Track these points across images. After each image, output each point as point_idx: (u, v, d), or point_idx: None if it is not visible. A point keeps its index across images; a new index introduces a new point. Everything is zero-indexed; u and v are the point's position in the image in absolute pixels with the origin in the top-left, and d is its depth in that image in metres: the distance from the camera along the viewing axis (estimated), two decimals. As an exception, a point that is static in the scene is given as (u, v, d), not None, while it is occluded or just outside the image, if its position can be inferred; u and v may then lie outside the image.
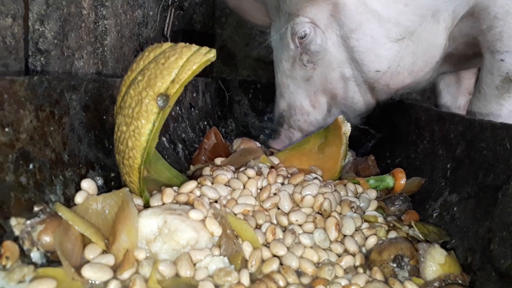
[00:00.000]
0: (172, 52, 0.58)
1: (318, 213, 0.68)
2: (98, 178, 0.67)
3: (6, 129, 0.51)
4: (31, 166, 0.54)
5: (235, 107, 1.85)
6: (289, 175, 0.84)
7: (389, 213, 0.84)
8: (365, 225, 0.69)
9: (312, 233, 0.63)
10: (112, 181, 0.71)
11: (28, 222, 0.50)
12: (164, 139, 0.99)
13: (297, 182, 0.76)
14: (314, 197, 0.69)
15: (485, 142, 0.75)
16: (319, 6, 1.13)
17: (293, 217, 0.65)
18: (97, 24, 1.00)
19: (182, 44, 0.59)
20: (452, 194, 0.79)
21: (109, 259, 0.53)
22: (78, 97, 0.66)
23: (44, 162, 0.56)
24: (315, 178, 0.87)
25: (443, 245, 0.67)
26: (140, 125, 0.59)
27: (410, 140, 1.18)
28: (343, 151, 0.94)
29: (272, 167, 0.92)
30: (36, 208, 0.53)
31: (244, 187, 0.71)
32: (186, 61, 0.57)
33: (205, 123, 1.37)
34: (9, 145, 0.51)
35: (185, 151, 1.09)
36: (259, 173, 0.77)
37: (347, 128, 0.94)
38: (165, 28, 1.07)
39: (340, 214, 0.70)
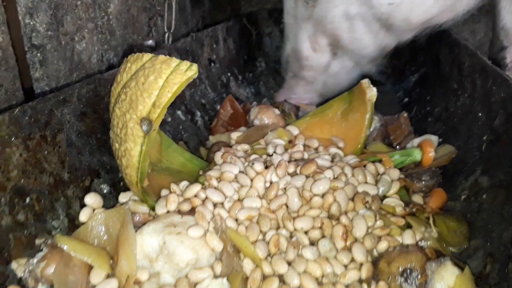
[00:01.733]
0: (152, 69, 0.53)
1: (327, 217, 0.64)
2: (103, 186, 0.67)
3: (-7, 174, 0.50)
4: (27, 200, 0.55)
5: (266, 42, 1.75)
6: (304, 156, 0.80)
7: (415, 190, 0.79)
8: (379, 222, 0.65)
9: (317, 243, 0.61)
10: (120, 182, 0.72)
11: (30, 261, 0.52)
12: (179, 112, 0.97)
13: (309, 172, 0.72)
14: (323, 197, 0.66)
15: (525, 123, 0.65)
16: None
17: (299, 224, 0.62)
18: (98, -9, 0.93)
19: (161, 57, 0.54)
20: (484, 175, 0.72)
21: (113, 285, 0.55)
22: (71, 108, 0.64)
23: (42, 191, 0.57)
24: (334, 155, 0.83)
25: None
26: (129, 147, 0.56)
27: (451, 88, 1.06)
28: (367, 119, 0.87)
29: (290, 141, 0.88)
30: (37, 241, 0.54)
31: (251, 184, 0.69)
32: (166, 82, 0.52)
33: (229, 74, 1.31)
34: (0, 189, 0.51)
35: (204, 117, 1.06)
36: (269, 164, 0.73)
37: (372, 94, 0.86)
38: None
39: (353, 210, 0.67)
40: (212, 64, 1.21)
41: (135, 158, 0.57)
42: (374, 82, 1.20)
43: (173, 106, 0.96)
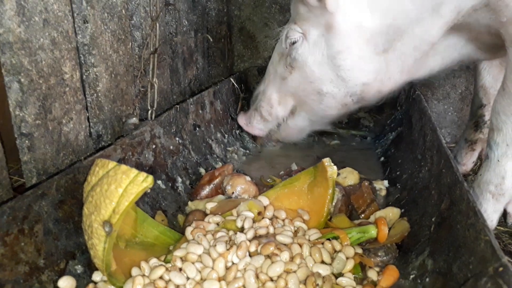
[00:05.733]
0: (114, 178, 0.61)
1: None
2: (78, 267, 0.74)
3: (-28, 272, 0.58)
4: (3, 291, 0.62)
5: (256, 96, 1.83)
6: (270, 231, 0.87)
7: (371, 265, 0.85)
8: (328, 306, 0.71)
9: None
10: (95, 260, 0.78)
11: None
12: (159, 181, 1.04)
13: (268, 253, 0.78)
14: (276, 281, 0.72)
15: (460, 215, 0.71)
16: (314, 23, 1.16)
17: (251, 308, 0.68)
18: (88, 73, 1.02)
19: (123, 168, 0.61)
20: (430, 257, 0.77)
21: None
22: (49, 200, 0.72)
23: (17, 280, 0.64)
24: (298, 229, 0.89)
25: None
26: (95, 243, 0.64)
27: (417, 157, 1.13)
28: (329, 194, 0.93)
29: (259, 212, 0.94)
30: (11, 330, 0.61)
31: (213, 266, 0.75)
32: (124, 191, 0.60)
33: (218, 134, 1.39)
34: (-22, 284, 0.58)
35: (186, 182, 1.14)
36: (232, 244, 0.80)
37: (332, 171, 0.93)
38: (150, 76, 1.07)
39: (304, 292, 0.73)
40: (197, 129, 1.29)
41: (100, 253, 0.64)
42: (358, 137, 1.31)
43: (153, 176, 1.04)
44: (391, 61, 1.10)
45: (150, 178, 0.60)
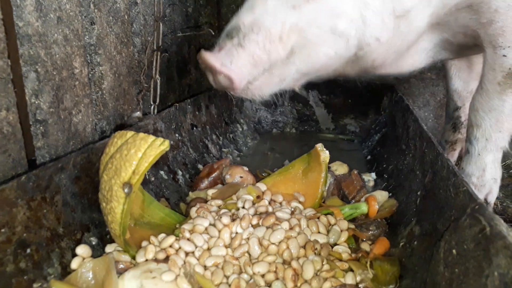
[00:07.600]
0: (133, 144, 0.67)
1: (282, 262, 0.76)
2: (92, 239, 0.79)
3: (2, 230, 0.63)
4: (28, 250, 0.66)
5: (247, 104, 1.92)
6: (268, 210, 0.93)
7: (363, 238, 0.91)
8: (326, 266, 0.77)
9: (271, 285, 0.72)
10: (107, 235, 0.83)
11: (28, 302, 0.63)
12: (162, 172, 1.10)
13: (269, 224, 0.84)
14: (278, 245, 0.78)
15: (442, 182, 0.79)
16: None
17: (257, 268, 0.74)
18: (94, 71, 1.09)
19: (141, 135, 0.68)
20: (417, 225, 0.85)
21: (97, 322, 0.66)
22: (67, 174, 0.77)
23: (40, 242, 0.69)
24: (295, 208, 0.96)
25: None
26: (114, 206, 0.69)
27: (401, 148, 1.21)
28: (323, 177, 1.00)
29: (258, 196, 1.01)
30: (35, 286, 0.65)
31: (219, 235, 0.81)
32: (144, 154, 0.66)
33: (213, 136, 1.46)
34: (7, 242, 0.63)
35: (185, 175, 1.20)
36: (236, 217, 0.86)
37: (325, 156, 1.00)
38: (153, 73, 1.14)
39: (304, 256, 0.79)
40: (195, 128, 1.36)
41: (118, 215, 0.69)
42: (345, 141, 1.35)
43: (156, 167, 1.10)
44: (397, 32, 1.06)
45: (167, 142, 0.66)
